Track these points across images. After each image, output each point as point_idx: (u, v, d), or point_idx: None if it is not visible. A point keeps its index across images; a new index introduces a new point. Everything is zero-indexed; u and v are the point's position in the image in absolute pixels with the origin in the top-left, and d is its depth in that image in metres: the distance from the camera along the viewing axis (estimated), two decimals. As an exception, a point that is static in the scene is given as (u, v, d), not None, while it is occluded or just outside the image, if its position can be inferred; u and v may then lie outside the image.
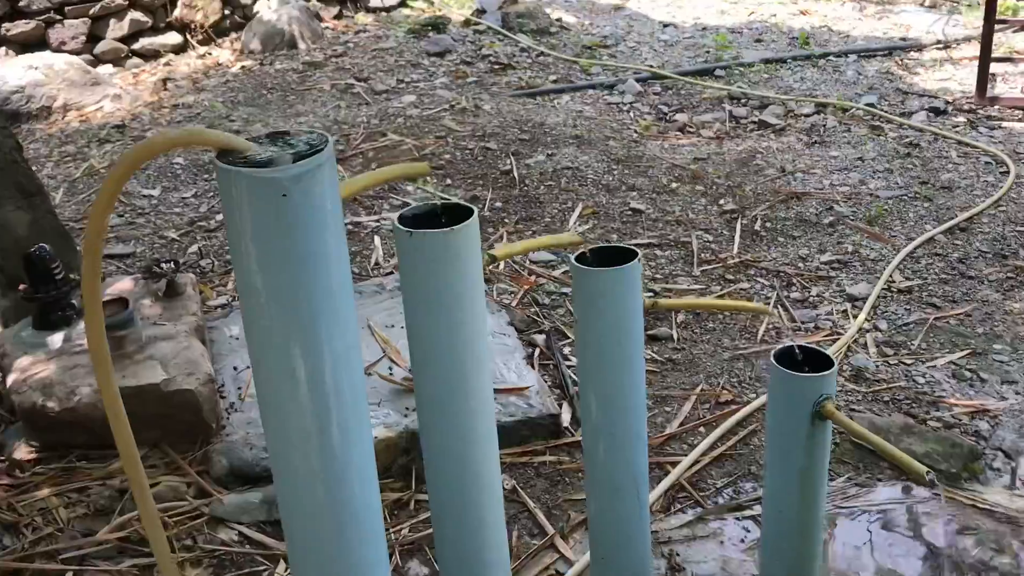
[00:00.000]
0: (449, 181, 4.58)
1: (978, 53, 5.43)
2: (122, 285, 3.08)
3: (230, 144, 1.05)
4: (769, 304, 3.41)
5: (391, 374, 2.94)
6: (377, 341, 3.13)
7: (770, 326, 3.30)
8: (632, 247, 1.81)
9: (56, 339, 2.78)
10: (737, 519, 2.42)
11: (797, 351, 1.96)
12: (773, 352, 1.95)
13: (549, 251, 3.83)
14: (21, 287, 2.79)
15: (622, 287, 1.80)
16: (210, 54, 7.10)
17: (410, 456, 2.69)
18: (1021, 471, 2.53)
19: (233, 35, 7.41)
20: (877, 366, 3.02)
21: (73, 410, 2.58)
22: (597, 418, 1.91)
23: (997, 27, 5.54)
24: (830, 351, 3.04)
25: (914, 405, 2.82)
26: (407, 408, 2.77)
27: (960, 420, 2.73)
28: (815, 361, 1.94)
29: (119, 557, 2.31)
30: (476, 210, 1.50)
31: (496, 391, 2.84)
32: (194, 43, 7.16)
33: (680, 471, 2.58)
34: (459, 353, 1.53)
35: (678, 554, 2.32)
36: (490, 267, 3.67)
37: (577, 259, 1.82)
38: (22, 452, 2.70)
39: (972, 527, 2.35)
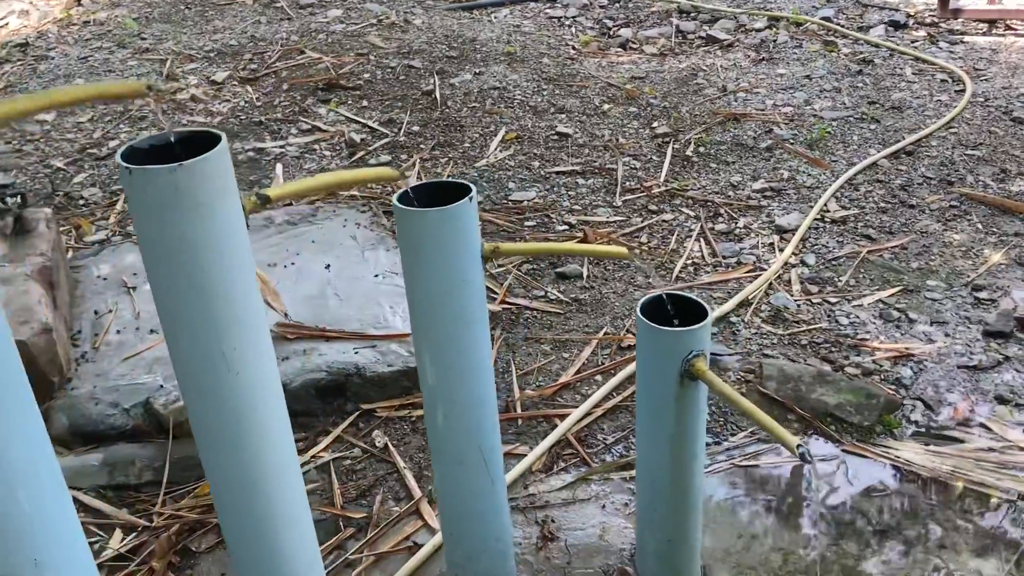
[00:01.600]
0: (365, 103, 4.24)
1: None
2: (-37, 221, 2.77)
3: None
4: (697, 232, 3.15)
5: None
6: (256, 281, 2.85)
7: (689, 262, 3.03)
8: (467, 183, 1.52)
9: None
10: (624, 479, 2.18)
11: (666, 300, 1.70)
12: (641, 302, 1.68)
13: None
14: None
15: (453, 230, 1.51)
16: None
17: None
18: (938, 421, 2.30)
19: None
20: (799, 305, 2.77)
21: None
22: (434, 381, 1.65)
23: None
24: (748, 290, 2.79)
25: (833, 350, 2.57)
26: (284, 357, 2.51)
27: (881, 366, 2.49)
28: (691, 312, 1.68)
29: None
30: (223, 136, 1.20)
31: (375, 337, 2.58)
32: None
33: (567, 425, 2.34)
34: (211, 305, 1.25)
35: (553, 520, 2.09)
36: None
37: (400, 199, 1.53)
38: None
39: (880, 489, 2.12)
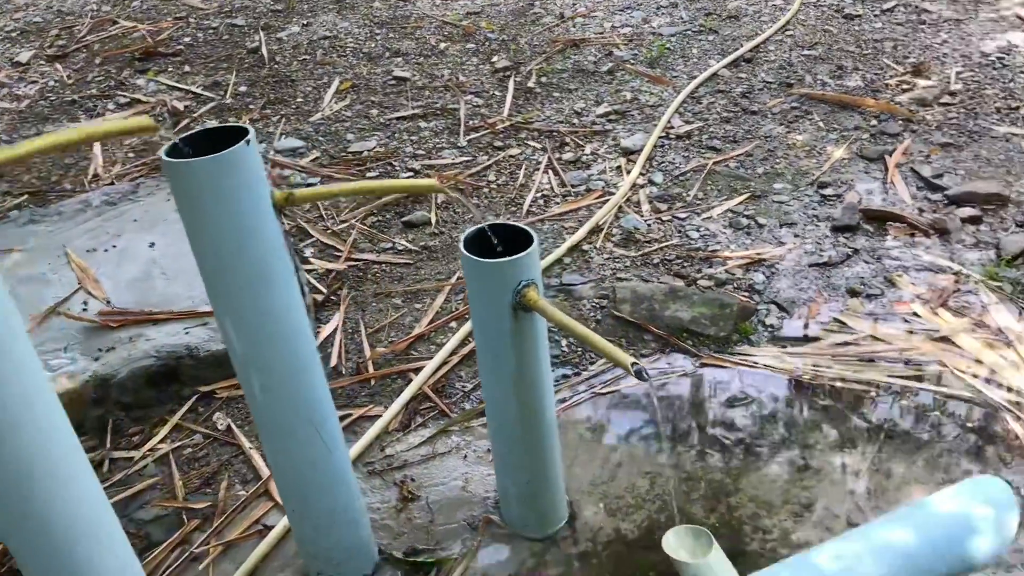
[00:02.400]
0: (188, 68, 3.96)
1: None
2: None
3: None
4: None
5: (85, 310, 2.44)
6: (74, 270, 2.62)
7: (539, 195, 2.93)
8: (244, 126, 1.35)
9: None
10: (484, 426, 2.08)
11: (489, 232, 1.58)
12: (463, 236, 1.56)
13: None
14: None
15: (231, 179, 1.35)
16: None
17: (104, 407, 2.24)
18: (792, 323, 2.27)
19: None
20: (649, 225, 2.71)
21: None
22: (242, 350, 1.49)
23: None
24: (598, 216, 2.71)
25: (686, 265, 2.52)
26: (99, 349, 2.30)
27: (734, 275, 2.45)
28: (520, 241, 1.57)
29: None
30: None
31: (207, 314, 2.39)
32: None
33: (423, 378, 2.22)
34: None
35: (413, 479, 1.97)
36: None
37: (169, 151, 1.35)
38: None
39: (741, 397, 2.08)
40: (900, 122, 3.07)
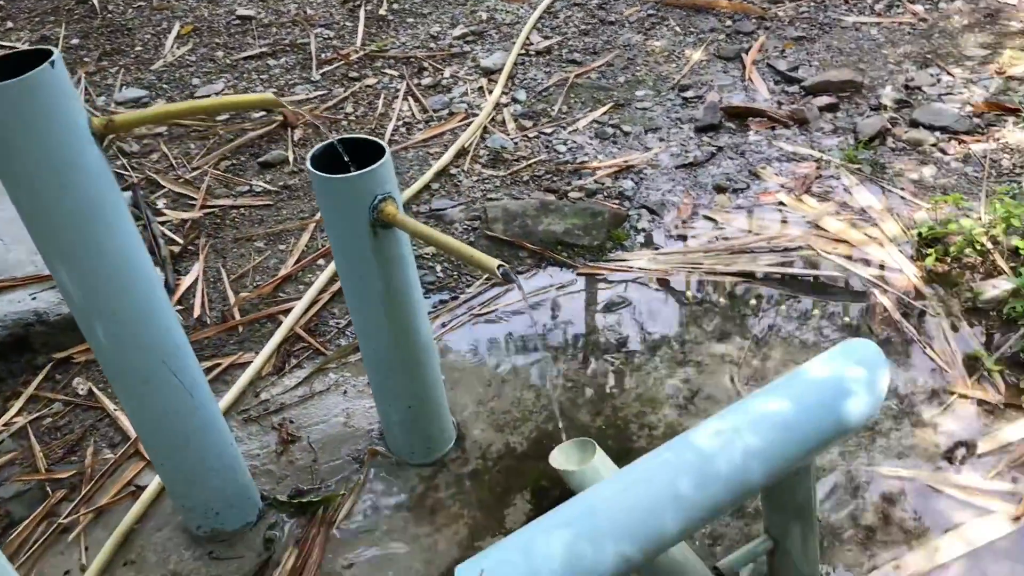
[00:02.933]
0: (10, 24, 3.66)
1: None
2: None
3: None
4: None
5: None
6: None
7: (400, 123, 2.83)
8: (47, 48, 1.22)
9: None
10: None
11: (339, 147, 1.49)
12: (310, 154, 1.47)
13: None
14: None
15: (36, 104, 1.21)
16: None
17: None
18: (665, 224, 2.26)
19: None
20: (516, 143, 2.65)
21: None
22: (78, 295, 1.37)
23: None
24: (463, 138, 2.64)
25: (555, 179, 2.48)
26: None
27: (603, 184, 2.42)
28: (373, 155, 1.48)
29: None
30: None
31: (49, 277, 2.22)
32: None
33: (294, 318, 2.12)
34: None
35: (292, 421, 1.89)
36: None
37: (-37, 80, 1.21)
38: None
39: (618, 302, 2.07)
40: (754, 20, 3.09)
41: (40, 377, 2.07)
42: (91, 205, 1.29)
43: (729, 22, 3.10)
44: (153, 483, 1.78)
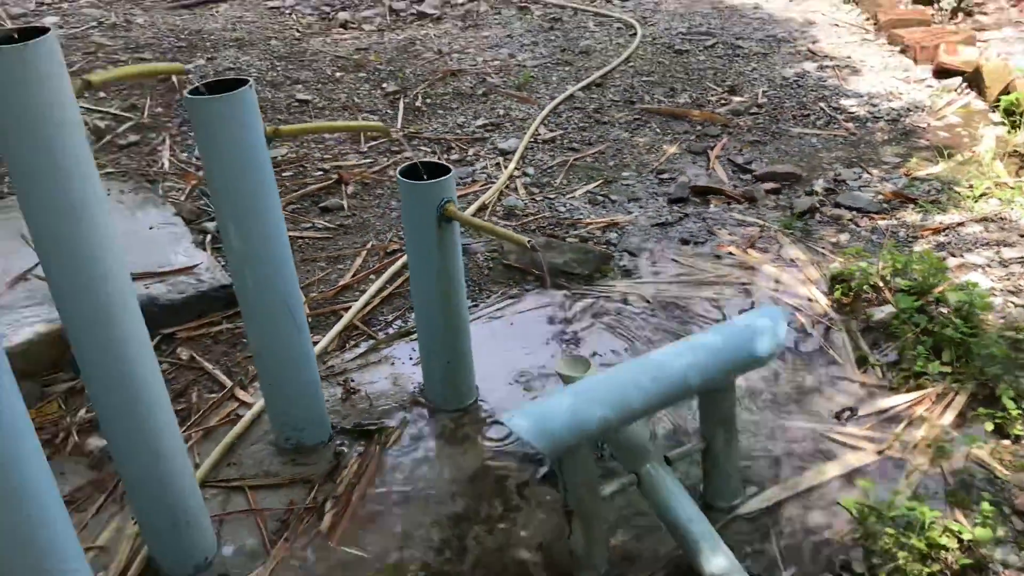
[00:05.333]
0: (102, 94, 4.38)
1: None
2: None
3: None
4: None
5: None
6: (32, 247, 3.00)
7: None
8: (244, 77, 1.89)
9: None
10: (406, 342, 2.62)
11: (420, 167, 2.15)
12: (399, 169, 2.13)
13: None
14: None
15: (238, 113, 1.88)
16: None
17: (80, 346, 2.64)
18: (641, 263, 2.92)
19: None
20: (526, 203, 3.33)
21: None
22: (238, 246, 2.00)
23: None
24: (484, 197, 3.32)
25: (557, 228, 3.15)
26: (71, 302, 2.70)
27: (594, 234, 3.10)
28: (438, 173, 2.14)
29: None
30: (52, 29, 1.51)
31: (162, 273, 2.84)
32: None
33: (352, 314, 2.74)
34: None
35: (352, 379, 2.49)
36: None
37: (191, 93, 1.87)
38: None
39: (603, 311, 2.70)
40: (719, 127, 3.84)
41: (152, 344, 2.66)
42: (260, 184, 1.94)
43: (699, 127, 3.85)
44: (249, 413, 2.36)
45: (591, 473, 1.79)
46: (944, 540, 1.78)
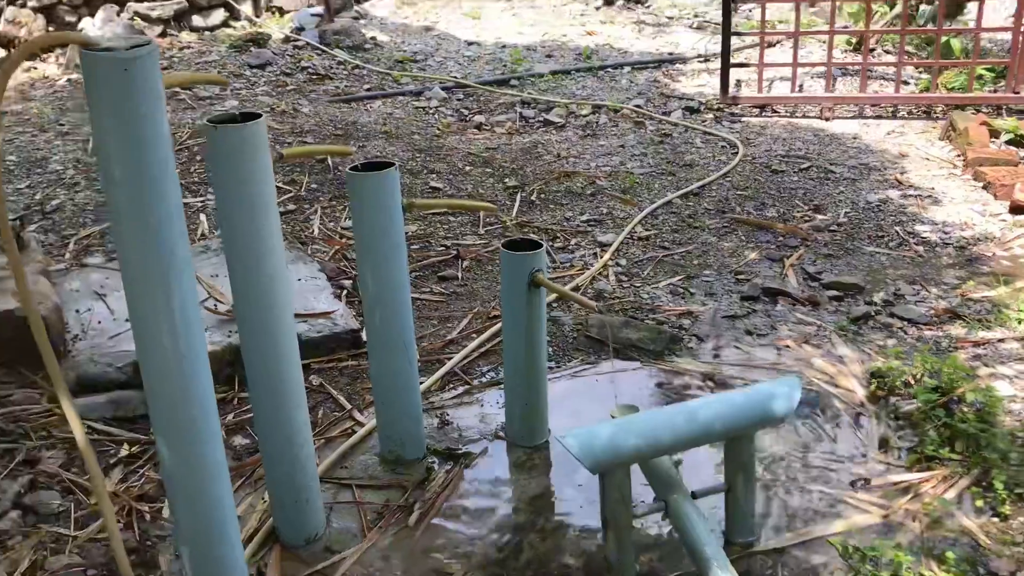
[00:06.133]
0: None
1: (754, 63, 6.51)
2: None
3: (88, 40, 1.66)
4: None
5: (216, 308, 3.50)
6: (204, 287, 3.68)
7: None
8: (389, 160, 2.49)
9: (-85, 281, 3.20)
10: (495, 390, 3.12)
11: (520, 241, 2.69)
12: (503, 242, 2.68)
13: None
14: None
15: (385, 189, 2.48)
16: (35, 68, 7.36)
17: (233, 367, 3.25)
18: (706, 347, 3.36)
19: (58, 51, 7.69)
20: (614, 289, 3.83)
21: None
22: (372, 291, 2.57)
23: (735, 41, 6.64)
24: (578, 280, 3.84)
25: (638, 312, 3.63)
26: (229, 331, 3.34)
27: (670, 319, 3.56)
28: (534, 247, 2.68)
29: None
30: (264, 115, 2.14)
31: (305, 315, 3.46)
32: (17, 57, 7.40)
33: (454, 363, 3.27)
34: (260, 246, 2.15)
35: (448, 414, 3.00)
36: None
37: (351, 170, 2.48)
38: None
39: (665, 383, 3.14)
40: (799, 240, 4.27)
41: (290, 371, 3.25)
42: (394, 243, 2.51)
43: (781, 238, 4.29)
44: (362, 430, 2.89)
45: (625, 492, 2.23)
46: (915, 583, 2.13)
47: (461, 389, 3.15)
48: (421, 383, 3.17)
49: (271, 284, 2.21)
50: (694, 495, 2.36)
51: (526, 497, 2.63)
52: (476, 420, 2.98)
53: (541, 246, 2.66)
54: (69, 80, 7.03)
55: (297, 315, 3.45)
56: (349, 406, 3.05)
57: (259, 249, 2.17)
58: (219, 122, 2.10)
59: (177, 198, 1.78)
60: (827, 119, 6.08)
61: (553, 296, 3.59)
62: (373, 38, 8.37)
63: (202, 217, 4.56)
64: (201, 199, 4.77)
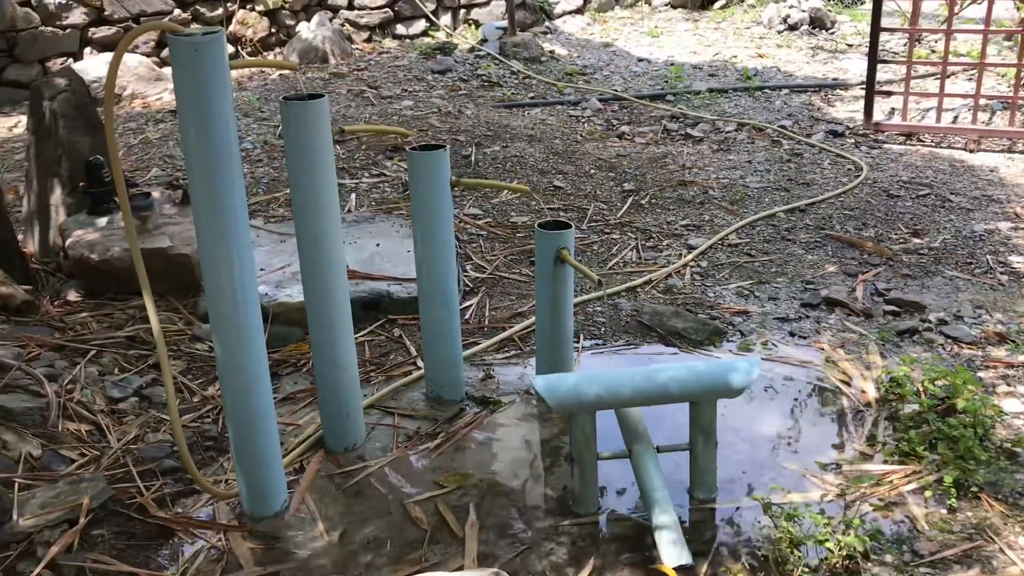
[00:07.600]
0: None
1: (900, 91, 6.56)
2: (153, 193, 4.35)
3: (173, 28, 2.28)
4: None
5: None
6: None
7: (619, 260, 4.43)
8: (440, 143, 3.01)
9: (102, 221, 4.06)
10: (541, 356, 3.56)
11: (554, 223, 3.13)
12: (538, 223, 3.13)
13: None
14: (81, 184, 4.08)
15: (438, 168, 3.00)
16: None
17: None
18: (745, 342, 3.63)
19: (277, 49, 8.82)
20: (685, 286, 4.15)
21: (107, 261, 3.84)
22: (421, 252, 3.10)
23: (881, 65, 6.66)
24: (653, 275, 4.20)
25: (696, 307, 3.94)
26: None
27: (724, 316, 3.85)
28: (562, 229, 3.11)
29: (128, 345, 3.56)
30: (326, 96, 2.71)
31: (400, 279, 4.04)
32: (244, 54, 8.58)
33: (514, 331, 3.74)
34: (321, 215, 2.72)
35: (494, 370, 3.47)
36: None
37: (411, 150, 3.02)
38: (72, 295, 3.97)
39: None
40: (883, 259, 4.39)
41: (377, 324, 3.84)
42: (440, 213, 3.03)
43: (866, 256, 4.43)
44: (416, 373, 3.42)
45: (588, 434, 2.62)
46: (829, 545, 2.38)
47: (512, 352, 3.61)
48: (477, 345, 3.68)
49: (324, 235, 2.78)
50: (659, 449, 2.71)
51: (535, 440, 3.05)
52: (516, 378, 3.44)
53: (570, 226, 3.09)
54: (280, 75, 8.08)
55: (395, 278, 4.05)
56: (415, 353, 3.59)
57: (318, 203, 2.75)
58: (293, 99, 2.69)
59: (234, 149, 2.37)
60: (971, 151, 6.01)
61: (602, 293, 3.97)
62: (552, 51, 8.95)
63: (352, 197, 5.27)
64: (355, 181, 5.49)
